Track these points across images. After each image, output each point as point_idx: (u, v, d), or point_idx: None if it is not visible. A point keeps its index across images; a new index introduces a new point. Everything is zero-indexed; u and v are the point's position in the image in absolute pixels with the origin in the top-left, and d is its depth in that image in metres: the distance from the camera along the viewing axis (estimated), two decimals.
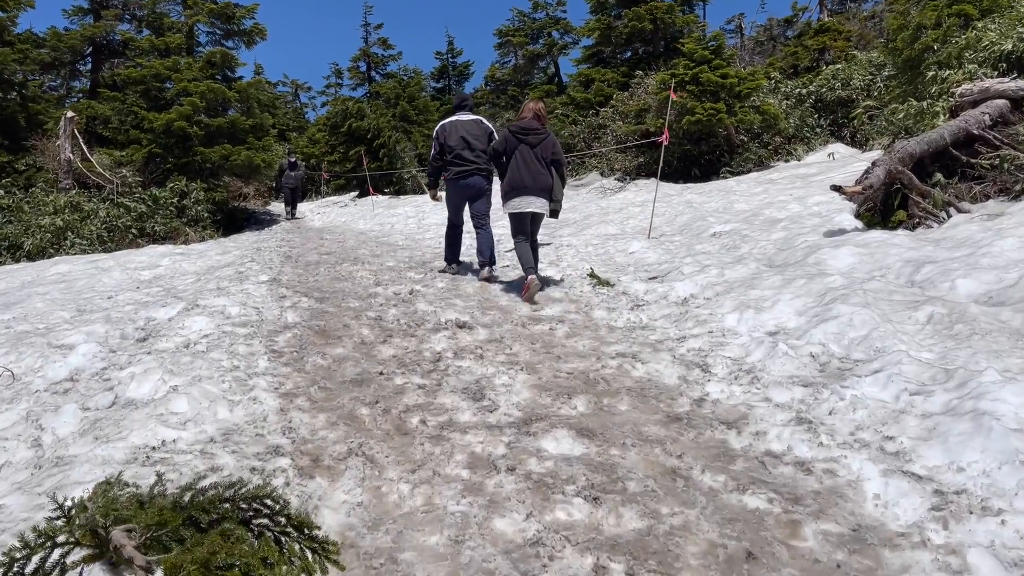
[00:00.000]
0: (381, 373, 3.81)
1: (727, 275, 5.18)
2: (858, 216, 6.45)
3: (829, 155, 11.52)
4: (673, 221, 8.39)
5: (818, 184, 8.60)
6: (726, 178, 11.92)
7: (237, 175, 16.55)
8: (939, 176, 6.21)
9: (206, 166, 15.37)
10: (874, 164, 6.15)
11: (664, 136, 7.41)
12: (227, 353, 3.96)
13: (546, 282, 5.93)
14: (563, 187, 5.91)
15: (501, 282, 6.08)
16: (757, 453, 2.76)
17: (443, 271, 6.72)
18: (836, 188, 5.81)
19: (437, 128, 6.68)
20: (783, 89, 14.37)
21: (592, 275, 5.75)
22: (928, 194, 6.04)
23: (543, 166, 5.63)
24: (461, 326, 4.66)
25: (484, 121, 6.72)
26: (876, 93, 12.47)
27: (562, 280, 5.98)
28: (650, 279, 5.58)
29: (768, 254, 5.84)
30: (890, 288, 4.23)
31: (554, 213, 5.88)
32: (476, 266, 7.24)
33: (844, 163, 10.35)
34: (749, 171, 12.05)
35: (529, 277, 5.48)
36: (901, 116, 8.20)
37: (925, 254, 4.73)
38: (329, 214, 17.97)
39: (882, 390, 3.00)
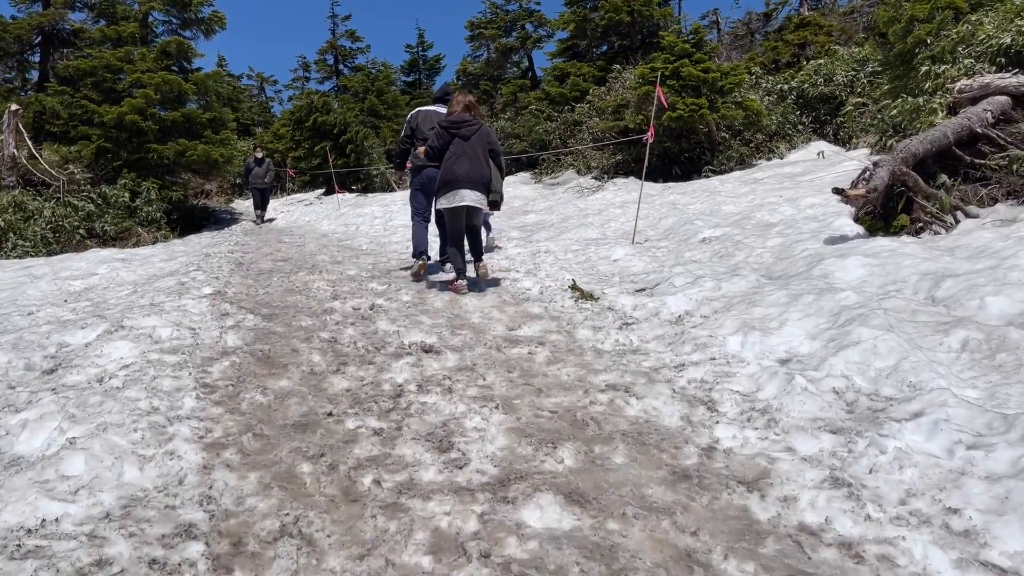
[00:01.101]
0: (330, 414, 3.22)
1: (724, 288, 4.67)
2: (858, 220, 6.00)
3: (818, 153, 11.13)
4: (657, 224, 7.88)
5: (808, 184, 8.16)
6: (708, 177, 11.46)
7: (195, 171, 15.53)
8: (944, 178, 5.79)
9: (161, 162, 14.43)
10: (876, 165, 5.70)
11: (649, 133, 6.88)
12: (147, 390, 3.33)
13: (524, 296, 5.37)
14: (502, 177, 5.87)
15: (471, 292, 5.49)
16: (789, 528, 2.24)
17: (413, 272, 6.21)
18: (838, 191, 5.35)
19: (411, 113, 6.69)
20: (764, 85, 13.97)
21: (574, 287, 5.20)
22: (933, 197, 5.62)
23: (479, 158, 5.49)
24: (427, 350, 4.08)
25: None
26: (860, 89, 12.12)
27: (541, 293, 5.40)
28: (638, 291, 5.05)
29: (766, 263, 5.35)
30: (912, 307, 3.76)
31: (494, 204, 5.75)
32: (443, 271, 6.66)
33: (830, 162, 9.96)
34: (732, 170, 11.60)
35: (458, 282, 5.50)
36: (894, 113, 7.78)
37: (943, 266, 4.27)
38: (292, 213, 17.14)
39: (929, 440, 2.50)
